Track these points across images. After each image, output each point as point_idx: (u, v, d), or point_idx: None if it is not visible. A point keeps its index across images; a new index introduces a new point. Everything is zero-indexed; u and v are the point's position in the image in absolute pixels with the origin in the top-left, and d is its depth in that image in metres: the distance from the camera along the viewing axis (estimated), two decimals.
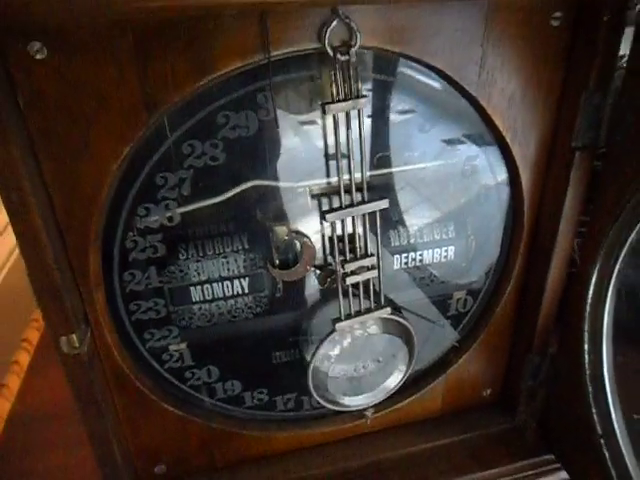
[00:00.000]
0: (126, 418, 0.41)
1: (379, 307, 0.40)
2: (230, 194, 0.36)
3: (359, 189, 0.36)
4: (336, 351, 0.41)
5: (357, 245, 0.38)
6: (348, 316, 0.39)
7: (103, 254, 0.35)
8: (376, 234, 0.37)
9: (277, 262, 0.39)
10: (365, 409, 0.45)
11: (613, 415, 0.41)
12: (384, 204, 0.36)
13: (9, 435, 0.58)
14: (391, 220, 0.41)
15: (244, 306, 0.40)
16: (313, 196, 0.38)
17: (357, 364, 0.44)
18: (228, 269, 0.39)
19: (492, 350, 0.48)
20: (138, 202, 0.34)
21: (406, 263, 0.42)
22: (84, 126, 0.30)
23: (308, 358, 0.41)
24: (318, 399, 0.42)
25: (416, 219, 0.41)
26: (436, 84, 0.36)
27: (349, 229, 0.37)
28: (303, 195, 0.38)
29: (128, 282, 0.37)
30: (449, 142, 0.39)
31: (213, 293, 0.39)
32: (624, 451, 0.40)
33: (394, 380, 0.45)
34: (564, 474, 0.48)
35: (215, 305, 0.40)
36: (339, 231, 0.37)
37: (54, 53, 0.27)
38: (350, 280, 0.38)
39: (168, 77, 0.29)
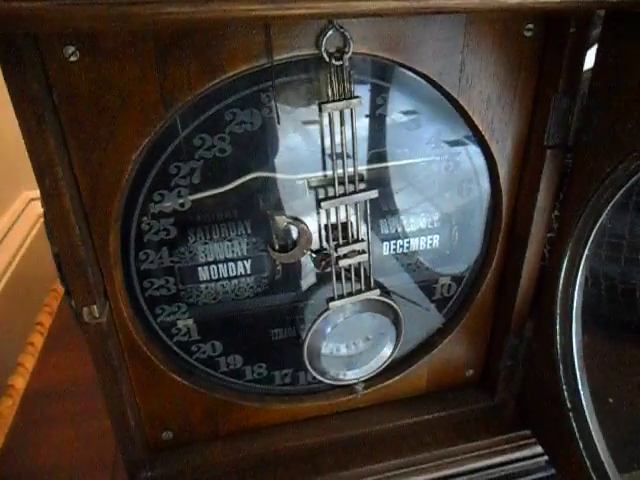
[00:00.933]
0: (138, 386, 0.45)
1: (369, 289, 0.44)
2: (235, 183, 0.40)
3: (352, 181, 0.40)
4: (329, 329, 0.45)
5: (349, 231, 0.42)
6: (341, 296, 0.44)
7: (121, 235, 0.39)
8: (367, 222, 0.42)
9: (277, 246, 0.43)
10: (356, 384, 0.50)
11: (581, 390, 0.45)
12: (374, 194, 0.41)
13: (25, 409, 0.62)
14: (381, 210, 0.45)
15: (246, 286, 0.44)
16: (311, 187, 0.42)
17: (349, 341, 0.48)
18: (232, 251, 0.43)
19: (474, 333, 0.52)
20: (154, 188, 0.38)
21: (395, 249, 0.46)
22: (109, 120, 0.34)
23: (303, 335, 0.45)
24: (313, 373, 0.47)
25: (404, 209, 0.45)
26: (422, 88, 0.40)
27: (342, 217, 0.41)
28: (302, 186, 0.42)
29: (143, 261, 0.41)
30: (435, 140, 0.43)
31: (219, 273, 0.43)
32: (590, 423, 0.44)
33: (383, 357, 0.49)
34: (539, 448, 0.52)
35: (220, 284, 0.44)
36: (334, 218, 0.41)
37: (86, 56, 0.32)
38: (342, 262, 0.42)
39: (184, 78, 0.34)
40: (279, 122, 0.37)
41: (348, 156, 0.39)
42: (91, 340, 0.39)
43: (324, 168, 0.41)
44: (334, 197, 0.40)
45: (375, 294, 0.45)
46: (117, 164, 0.35)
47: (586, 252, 0.42)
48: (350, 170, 0.39)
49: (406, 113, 0.41)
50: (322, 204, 0.40)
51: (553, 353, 0.46)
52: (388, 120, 0.41)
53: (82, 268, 0.36)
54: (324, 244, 0.43)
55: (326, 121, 0.38)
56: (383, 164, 0.43)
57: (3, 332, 0.88)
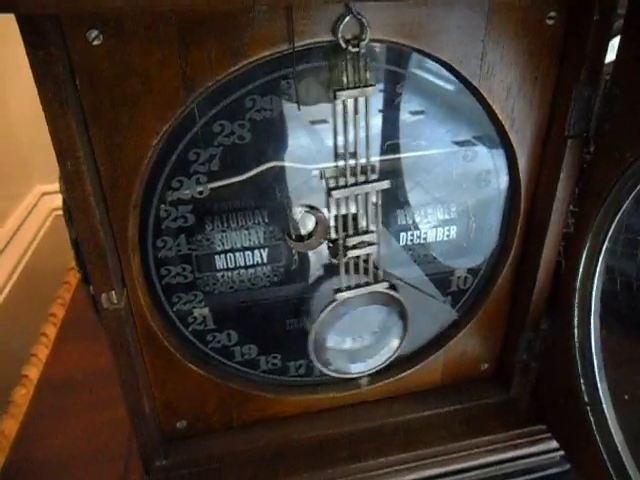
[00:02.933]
0: (153, 374, 0.45)
1: (377, 281, 0.44)
2: (254, 172, 0.40)
3: (364, 171, 0.40)
4: (335, 321, 0.45)
5: (359, 222, 0.42)
6: (348, 288, 0.44)
7: (140, 221, 0.39)
8: (378, 213, 0.41)
9: (294, 235, 0.43)
10: (360, 378, 0.49)
11: (599, 384, 0.44)
12: (385, 185, 0.41)
13: (38, 399, 0.63)
14: (399, 200, 0.45)
15: (262, 275, 0.44)
16: (323, 177, 0.41)
17: (354, 334, 0.47)
18: (249, 240, 0.43)
19: (489, 326, 0.52)
20: (173, 175, 0.38)
21: (411, 240, 0.46)
22: (130, 104, 0.34)
23: (308, 327, 0.45)
24: (317, 365, 0.47)
25: (421, 200, 0.45)
26: (442, 78, 0.40)
27: (353, 207, 0.41)
28: (319, 176, 0.42)
29: (160, 248, 0.41)
30: (453, 131, 0.43)
31: (235, 262, 0.43)
32: (608, 417, 0.44)
33: (389, 351, 0.48)
34: (555, 443, 0.51)
35: (236, 273, 0.44)
36: (345, 208, 0.41)
37: (109, 40, 0.32)
38: (351, 253, 0.42)
39: (205, 63, 0.34)
40: (300, 109, 0.37)
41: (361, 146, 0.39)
42: (108, 326, 0.39)
43: (340, 158, 0.41)
44: (345, 186, 0.40)
45: (383, 287, 0.44)
46: (137, 149, 0.35)
47: (606, 243, 0.42)
48: (362, 160, 0.39)
49: (426, 107, 0.41)
50: (332, 193, 0.40)
51: (571, 347, 0.46)
52: (406, 112, 0.41)
53: (101, 253, 0.36)
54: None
55: (340, 109, 0.37)
56: (401, 155, 0.43)
57: (17, 323, 0.89)
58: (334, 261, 0.44)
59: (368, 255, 0.43)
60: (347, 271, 0.43)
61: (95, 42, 0.32)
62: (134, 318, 0.42)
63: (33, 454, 0.56)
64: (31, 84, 0.31)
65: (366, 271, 0.43)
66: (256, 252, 0.43)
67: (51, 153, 0.33)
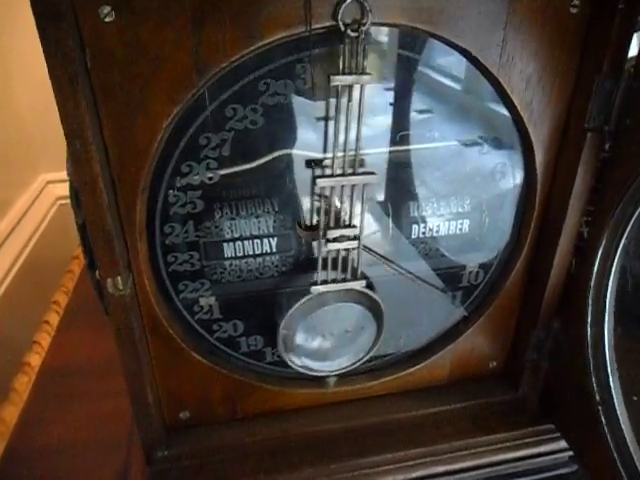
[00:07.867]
0: (157, 363, 0.44)
1: (355, 278, 0.43)
2: (265, 158, 0.39)
3: (352, 163, 0.39)
4: (308, 315, 0.44)
5: (342, 215, 0.41)
6: (324, 282, 0.43)
7: (147, 206, 0.38)
8: (362, 207, 0.40)
9: (304, 224, 0.42)
10: (328, 376, 0.49)
11: (611, 383, 0.43)
12: (371, 179, 0.39)
13: (40, 387, 0.62)
14: (411, 192, 0.44)
15: (271, 264, 0.44)
16: (308, 164, 0.40)
17: (326, 332, 0.46)
18: (259, 228, 0.42)
19: (499, 323, 0.51)
20: (183, 159, 0.37)
21: (423, 233, 0.45)
22: (141, 85, 0.33)
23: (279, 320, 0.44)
24: (286, 359, 0.46)
25: (433, 192, 0.44)
26: (456, 67, 0.39)
27: (338, 200, 0.40)
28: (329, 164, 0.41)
29: (168, 234, 0.40)
30: (467, 123, 0.42)
31: (244, 250, 0.42)
32: (620, 417, 0.43)
33: (359, 353, 0.47)
34: (563, 443, 0.50)
35: (245, 262, 0.43)
36: (330, 200, 0.40)
37: (121, 17, 0.31)
38: (330, 246, 0.41)
39: (219, 44, 0.33)
40: (314, 94, 0.36)
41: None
42: (113, 313, 0.39)
43: (331, 148, 0.39)
44: (331, 176, 0.39)
45: (360, 285, 0.43)
46: (147, 132, 0.35)
47: (623, 240, 0.41)
48: (352, 152, 0.38)
49: (438, 98, 0.40)
50: (317, 182, 0.39)
51: (583, 345, 0.45)
52: (419, 103, 0.40)
53: (108, 237, 0.35)
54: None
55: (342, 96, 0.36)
56: (415, 146, 0.42)
57: (20, 311, 0.88)
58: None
59: (348, 250, 0.42)
60: (325, 265, 0.42)
61: (107, 19, 0.31)
62: (139, 305, 0.41)
63: (33, 442, 0.55)
64: (38, 72, 0.30)
65: (344, 267, 0.42)
66: (265, 241, 0.42)
67: (56, 142, 0.32)
